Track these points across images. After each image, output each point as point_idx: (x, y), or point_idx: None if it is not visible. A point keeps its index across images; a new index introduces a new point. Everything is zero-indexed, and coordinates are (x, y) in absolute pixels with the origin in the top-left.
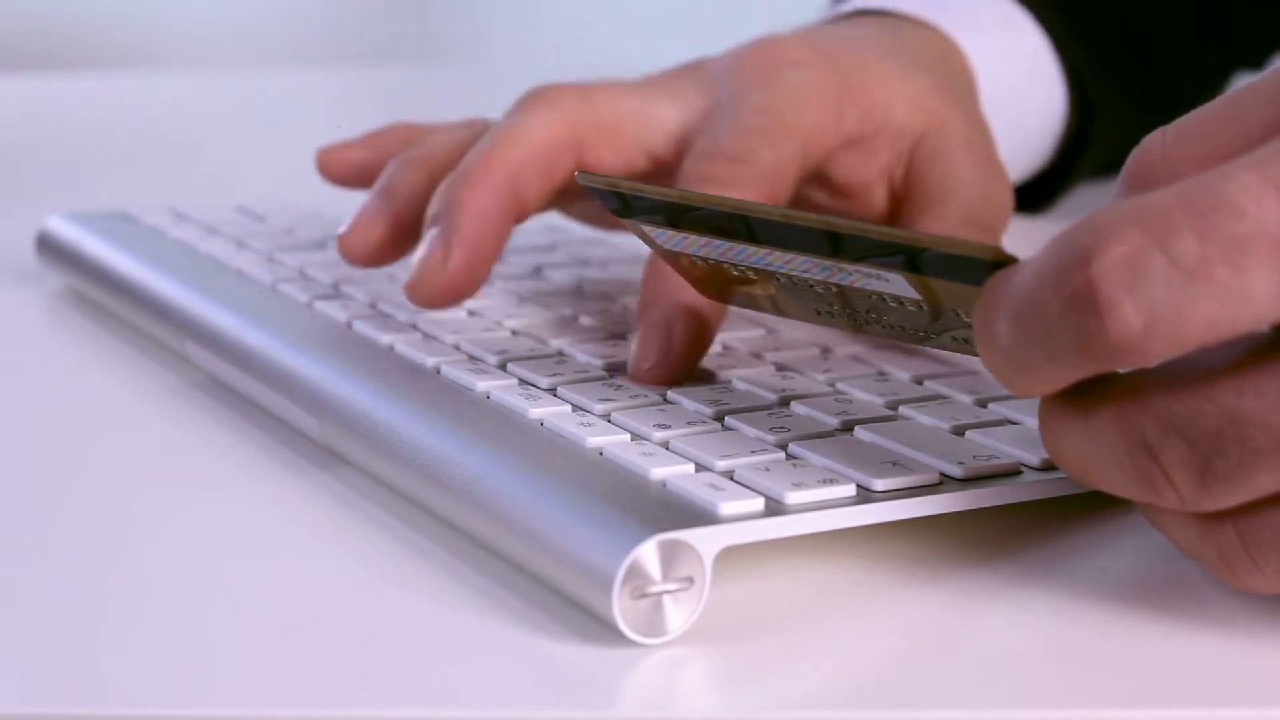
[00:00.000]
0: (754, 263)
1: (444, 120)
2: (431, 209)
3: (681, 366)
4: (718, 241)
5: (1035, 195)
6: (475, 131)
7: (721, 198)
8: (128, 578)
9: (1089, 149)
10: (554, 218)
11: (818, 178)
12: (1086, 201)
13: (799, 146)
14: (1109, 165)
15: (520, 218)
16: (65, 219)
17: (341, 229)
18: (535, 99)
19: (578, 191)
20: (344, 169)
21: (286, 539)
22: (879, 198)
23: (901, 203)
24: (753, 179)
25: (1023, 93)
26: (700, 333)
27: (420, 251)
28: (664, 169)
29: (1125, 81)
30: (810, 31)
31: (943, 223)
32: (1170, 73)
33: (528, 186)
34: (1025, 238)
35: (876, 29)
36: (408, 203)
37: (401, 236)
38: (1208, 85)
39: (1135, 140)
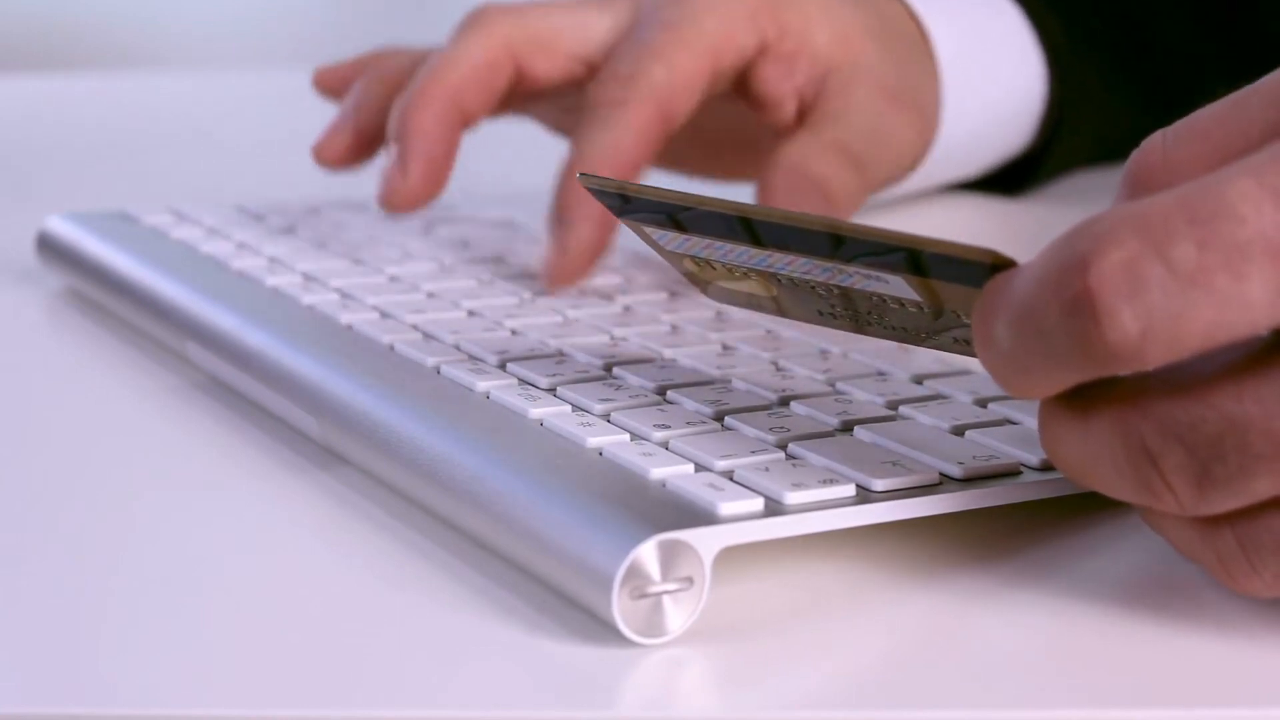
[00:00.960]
0: (755, 264)
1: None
2: (390, 129)
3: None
4: (719, 243)
5: (1018, 177)
6: (425, 55)
7: (722, 200)
8: (128, 578)
9: (1067, 130)
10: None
11: (741, 87)
12: (1074, 189)
13: (702, 59)
14: (1099, 151)
15: (467, 126)
16: (65, 219)
17: (316, 141)
18: (471, 21)
19: (530, 94)
20: (332, 84)
21: (286, 539)
22: (788, 113)
23: (802, 119)
24: (641, 97)
25: (997, 71)
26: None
27: (384, 169)
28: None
29: (1109, 63)
30: None
31: (811, 146)
32: (1160, 55)
33: (469, 101)
34: (1010, 221)
35: None
36: (368, 116)
37: (363, 144)
38: (1208, 70)
39: (1121, 124)
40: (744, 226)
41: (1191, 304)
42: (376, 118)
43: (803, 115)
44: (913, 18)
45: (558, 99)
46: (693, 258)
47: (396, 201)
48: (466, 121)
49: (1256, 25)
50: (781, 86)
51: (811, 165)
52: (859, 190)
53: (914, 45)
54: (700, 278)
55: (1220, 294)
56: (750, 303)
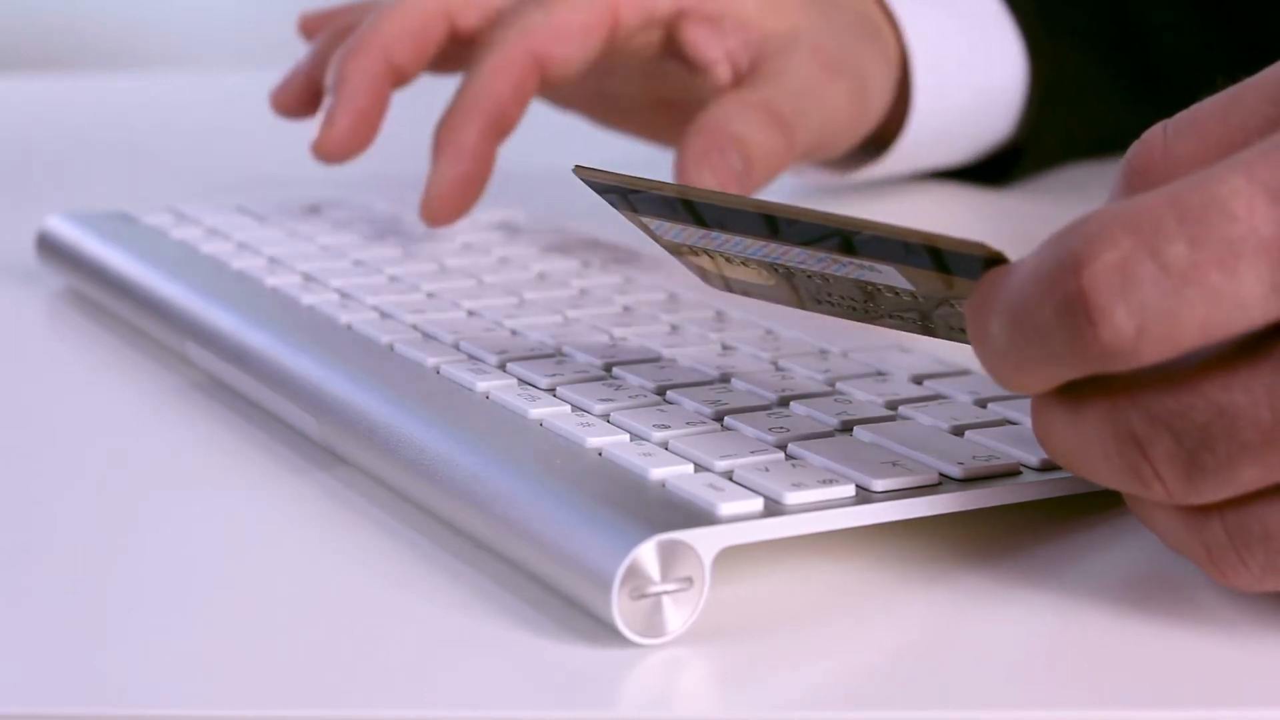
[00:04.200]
0: (752, 254)
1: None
2: (326, 79)
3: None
4: (716, 233)
5: (1001, 168)
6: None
7: (718, 192)
8: (127, 578)
9: (1051, 119)
10: (557, 220)
11: (673, 50)
12: (1070, 182)
13: (592, 11)
14: (1089, 144)
15: (400, 80)
16: (65, 219)
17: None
18: None
19: (460, 54)
20: (311, 30)
21: (286, 539)
22: (722, 76)
23: (738, 85)
24: (511, 39)
25: (974, 58)
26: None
27: (319, 115)
28: None
29: (1094, 54)
30: None
31: (735, 104)
32: (1149, 46)
33: (401, 54)
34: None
35: None
36: (321, 67)
37: (314, 94)
38: (1197, 61)
39: (1111, 117)
40: (737, 218)
41: (1185, 302)
42: (324, 68)
43: (738, 80)
44: (877, 2)
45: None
46: (691, 247)
47: (323, 150)
48: (398, 76)
49: (1244, 14)
50: (710, 49)
51: (733, 124)
52: (783, 151)
53: (864, 22)
54: (699, 267)
55: (1213, 291)
56: (749, 291)
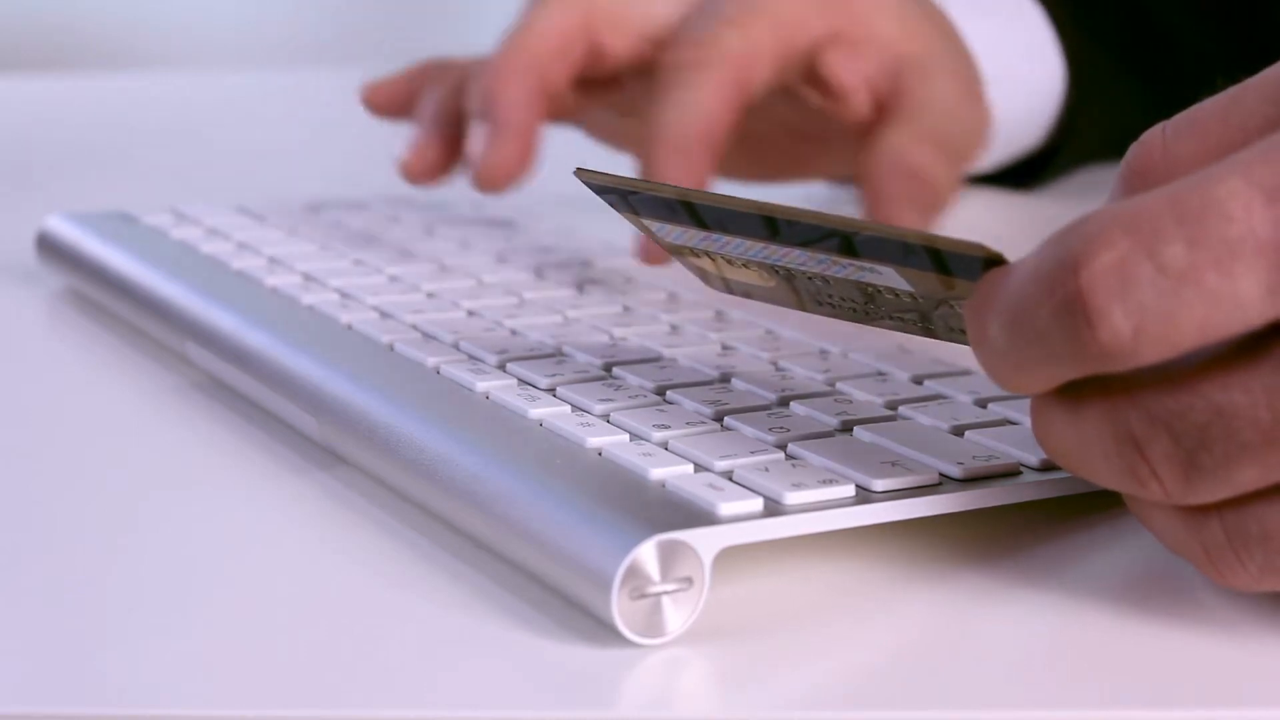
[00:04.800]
0: (753, 256)
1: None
2: (474, 107)
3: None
4: (715, 235)
5: (1030, 173)
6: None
7: (718, 194)
8: (128, 577)
9: (1082, 126)
10: (559, 219)
11: (809, 75)
12: (1088, 184)
13: (774, 34)
14: (1110, 146)
15: (549, 100)
16: (65, 219)
17: (400, 156)
18: None
19: (595, 76)
20: (384, 99)
21: (286, 539)
22: (862, 104)
23: (884, 115)
24: (719, 60)
25: (1017, 70)
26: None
27: (473, 145)
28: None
29: (1126, 61)
30: None
31: (907, 137)
32: (1170, 51)
33: (551, 71)
34: (1020, 215)
35: None
36: (449, 121)
37: (450, 154)
38: (1216, 66)
39: (1132, 120)
40: (736, 219)
41: (1183, 303)
42: (456, 126)
43: (878, 107)
44: (943, 12)
45: (611, 93)
46: (692, 249)
47: (495, 179)
48: (549, 95)
49: (1264, 20)
50: (852, 74)
51: (911, 156)
52: (955, 180)
53: (961, 40)
54: (700, 268)
55: (1211, 292)
56: (749, 292)
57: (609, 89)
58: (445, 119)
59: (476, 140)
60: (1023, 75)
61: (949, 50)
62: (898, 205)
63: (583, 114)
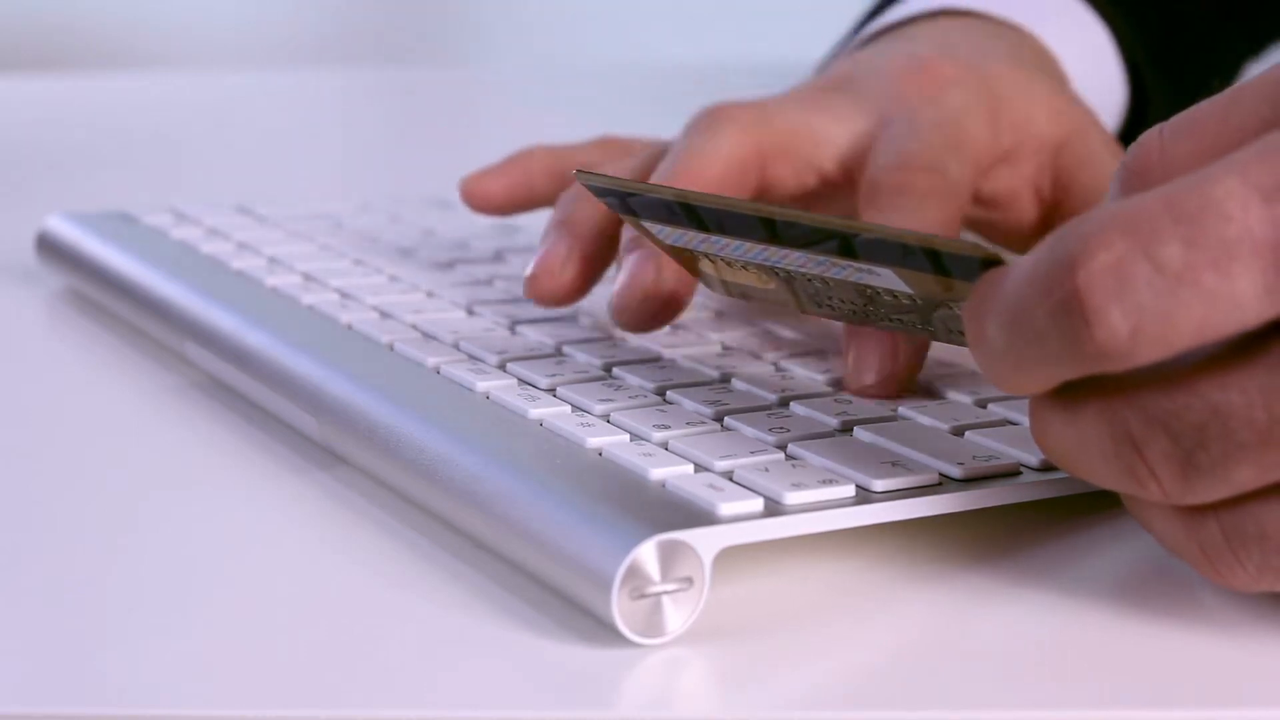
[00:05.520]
0: (752, 258)
1: (577, 142)
2: (627, 235)
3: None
4: (715, 237)
5: None
6: (650, 155)
7: (717, 196)
8: (128, 577)
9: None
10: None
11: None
12: None
13: (974, 161)
14: None
15: None
16: (65, 219)
17: (528, 270)
18: (717, 116)
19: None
20: (491, 197)
21: (286, 539)
22: (1028, 208)
23: (1054, 209)
24: (948, 192)
25: (1089, 90)
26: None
27: (626, 275)
28: (830, 188)
29: (1180, 79)
30: (941, 40)
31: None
32: (1214, 66)
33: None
34: None
35: (990, 36)
36: (593, 236)
37: (591, 272)
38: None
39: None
40: (735, 221)
41: (1180, 303)
42: (601, 238)
43: (1044, 204)
44: (1047, 50)
45: None
46: (692, 251)
47: (638, 320)
48: None
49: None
50: (1013, 183)
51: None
52: None
53: (1065, 77)
54: (700, 270)
55: (1208, 292)
56: (748, 294)
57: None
58: (585, 230)
59: (632, 267)
60: (1097, 99)
61: (1093, 120)
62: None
63: None
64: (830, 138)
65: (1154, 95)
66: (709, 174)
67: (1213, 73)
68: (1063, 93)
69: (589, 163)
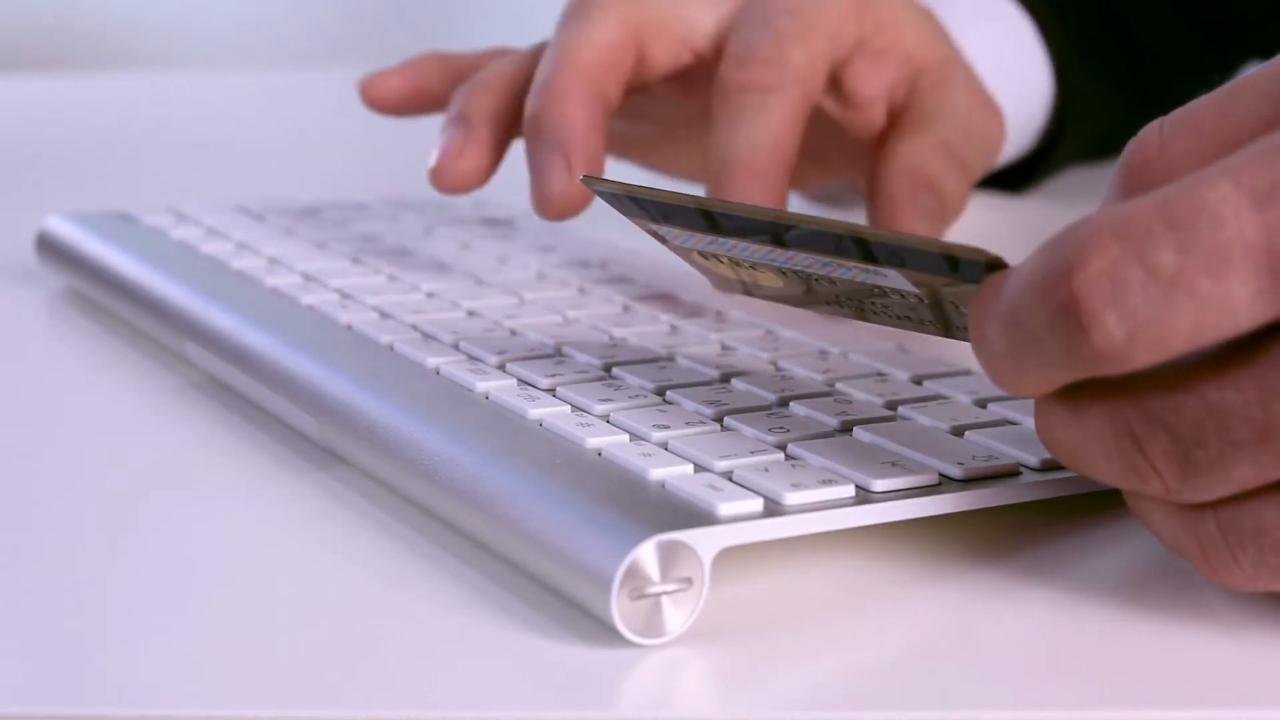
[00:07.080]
0: (760, 259)
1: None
2: (529, 128)
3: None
4: (722, 239)
5: (1019, 177)
6: (531, 53)
7: (721, 200)
8: (128, 577)
9: (1068, 135)
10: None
11: (832, 83)
12: (1076, 185)
13: (826, 45)
14: (1094, 147)
15: (608, 117)
16: (65, 219)
17: (430, 162)
18: (587, 5)
19: (635, 85)
20: (386, 94)
21: (285, 539)
22: (879, 114)
23: (892, 123)
24: (790, 81)
25: (1010, 81)
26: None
27: (538, 172)
28: (705, 66)
29: (1105, 66)
30: None
31: (920, 143)
32: (1146, 51)
33: (608, 86)
34: (1009, 217)
35: None
36: (487, 126)
37: (486, 160)
38: (1189, 65)
39: (1114, 120)
40: (741, 225)
41: (1174, 307)
42: (495, 128)
43: (891, 116)
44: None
45: (632, 100)
46: (700, 252)
47: (564, 205)
48: (608, 111)
49: (1234, 18)
50: (874, 84)
51: (926, 166)
52: (967, 189)
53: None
54: (711, 270)
55: (1202, 296)
56: (758, 293)
57: (630, 96)
58: (479, 122)
59: (548, 169)
60: (1016, 81)
61: (962, 61)
62: (909, 214)
63: None
64: (701, 19)
65: (1079, 86)
66: (589, 58)
67: (1138, 58)
68: (936, 27)
69: (481, 65)
